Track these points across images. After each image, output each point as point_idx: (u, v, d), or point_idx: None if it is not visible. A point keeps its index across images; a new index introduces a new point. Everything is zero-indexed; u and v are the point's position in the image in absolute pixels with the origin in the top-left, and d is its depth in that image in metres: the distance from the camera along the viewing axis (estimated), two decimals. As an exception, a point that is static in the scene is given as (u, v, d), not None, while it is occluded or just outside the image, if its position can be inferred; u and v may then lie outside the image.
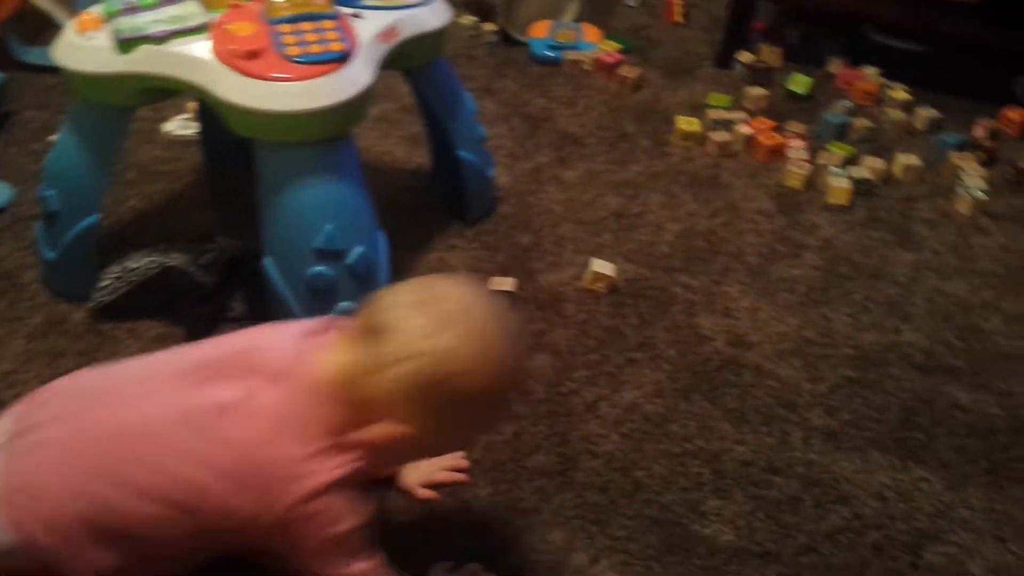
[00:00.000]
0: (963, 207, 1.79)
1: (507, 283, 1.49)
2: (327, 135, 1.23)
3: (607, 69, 2.13)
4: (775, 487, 1.23)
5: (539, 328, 1.45)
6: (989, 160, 1.93)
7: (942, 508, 1.22)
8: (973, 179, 1.82)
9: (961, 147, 1.93)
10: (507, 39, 2.25)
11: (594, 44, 2.21)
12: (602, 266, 1.53)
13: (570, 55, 2.16)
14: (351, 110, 1.23)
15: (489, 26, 2.27)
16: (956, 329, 1.51)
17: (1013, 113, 2.06)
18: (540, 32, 2.24)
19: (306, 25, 1.22)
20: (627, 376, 1.38)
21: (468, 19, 2.30)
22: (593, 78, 2.14)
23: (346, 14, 1.29)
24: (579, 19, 2.33)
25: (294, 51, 1.19)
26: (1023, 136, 2.04)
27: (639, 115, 2.02)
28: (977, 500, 1.24)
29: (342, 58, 1.21)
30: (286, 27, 1.22)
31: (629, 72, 2.10)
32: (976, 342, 1.49)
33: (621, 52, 2.18)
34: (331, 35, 1.22)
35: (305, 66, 1.18)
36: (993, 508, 1.23)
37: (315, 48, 1.20)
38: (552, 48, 2.19)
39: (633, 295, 1.53)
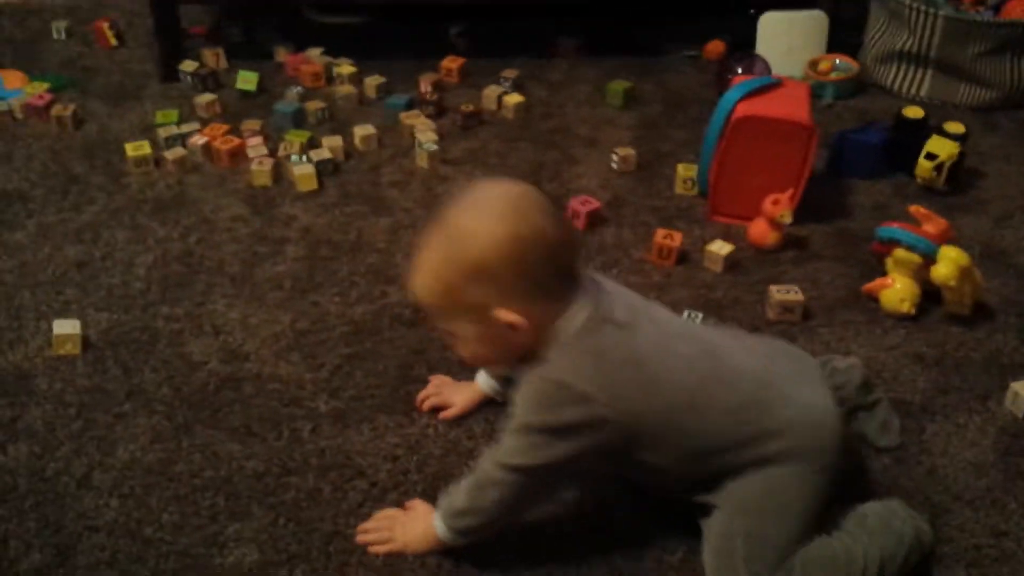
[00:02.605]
0: (423, 162, 1.90)
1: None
2: None
3: (40, 113, 1.96)
4: (292, 488, 1.22)
5: (9, 416, 1.30)
6: (438, 112, 2.07)
7: (448, 446, 1.29)
8: (425, 134, 1.94)
9: (409, 106, 2.05)
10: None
11: (19, 90, 2.01)
12: (64, 326, 1.40)
13: (-6, 107, 1.95)
14: None
15: None
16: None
17: (450, 63, 2.23)
18: (-51, 91, 1.99)
19: None
20: (119, 433, 1.28)
21: None
22: (28, 126, 1.95)
23: None
24: (-5, 66, 2.11)
25: None
26: (463, 81, 2.21)
27: (87, 152, 1.88)
28: (480, 427, 1.32)
29: None
30: None
31: (64, 110, 1.94)
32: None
33: (51, 90, 2.01)
34: None
35: None
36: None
37: None
38: (-32, 105, 1.96)
39: (112, 345, 1.43)
